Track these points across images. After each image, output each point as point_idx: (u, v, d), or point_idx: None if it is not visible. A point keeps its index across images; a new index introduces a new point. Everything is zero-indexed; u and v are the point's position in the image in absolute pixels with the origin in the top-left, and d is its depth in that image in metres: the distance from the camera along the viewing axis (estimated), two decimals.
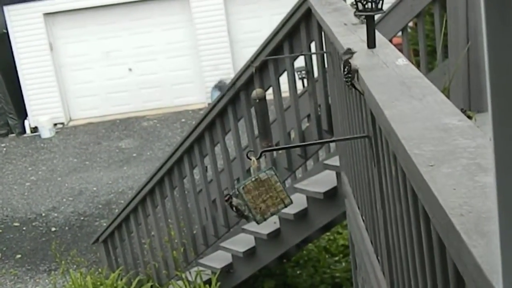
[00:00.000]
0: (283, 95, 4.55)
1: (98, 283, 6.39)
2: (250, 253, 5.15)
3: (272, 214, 2.89)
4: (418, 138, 1.56)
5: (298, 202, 4.70)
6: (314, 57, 4.39)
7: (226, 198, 2.88)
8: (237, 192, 2.81)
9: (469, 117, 2.13)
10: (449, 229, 1.19)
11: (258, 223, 2.89)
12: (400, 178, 1.89)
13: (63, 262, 7.16)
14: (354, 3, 2.41)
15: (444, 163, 1.40)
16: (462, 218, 1.16)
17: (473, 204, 1.21)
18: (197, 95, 13.86)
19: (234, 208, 2.86)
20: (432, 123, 1.65)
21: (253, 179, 2.77)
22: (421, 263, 1.76)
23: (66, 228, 9.15)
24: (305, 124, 4.86)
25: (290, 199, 2.92)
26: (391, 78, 2.12)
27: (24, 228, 9.33)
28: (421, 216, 1.65)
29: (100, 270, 6.88)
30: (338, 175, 4.27)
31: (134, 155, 11.68)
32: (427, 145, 1.51)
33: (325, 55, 4.12)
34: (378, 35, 2.57)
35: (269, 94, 3.99)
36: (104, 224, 7.52)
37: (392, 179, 2.05)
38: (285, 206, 2.93)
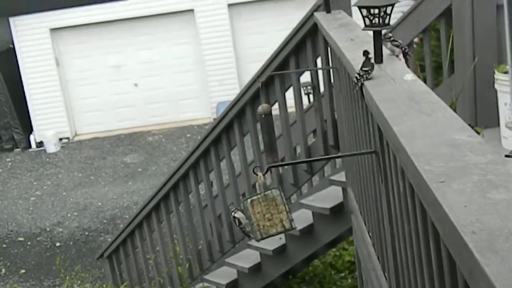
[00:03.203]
0: (289, 110, 4.54)
1: None
2: (256, 269, 5.11)
3: (271, 235, 2.83)
4: (427, 154, 1.54)
5: (304, 218, 4.67)
6: (320, 72, 4.38)
7: (232, 210, 2.85)
8: (243, 206, 2.77)
9: (477, 133, 2.11)
10: (461, 247, 1.17)
11: (256, 240, 2.83)
12: (408, 194, 1.87)
13: (67, 277, 7.13)
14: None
15: (455, 179, 1.38)
16: (474, 236, 1.14)
17: (485, 222, 1.19)
18: (203, 110, 13.87)
19: (236, 221, 2.82)
20: (441, 139, 1.63)
21: (260, 194, 2.73)
22: (431, 281, 1.73)
23: (71, 243, 9.12)
24: (311, 140, 4.84)
25: (291, 224, 2.82)
26: (399, 93, 2.10)
27: (28, 243, 9.31)
28: (430, 233, 1.63)
29: (104, 285, 6.86)
30: (344, 191, 4.25)
31: (139, 170, 11.68)
32: (437, 161, 1.49)
33: (331, 70, 4.11)
34: (385, 50, 2.56)
35: (275, 109, 3.98)
36: (109, 239, 7.49)
37: (400, 196, 2.02)
38: (285, 230, 2.86)
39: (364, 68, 2.33)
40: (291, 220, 2.83)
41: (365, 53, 2.36)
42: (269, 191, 2.75)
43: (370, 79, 2.32)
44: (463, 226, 1.18)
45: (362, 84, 2.33)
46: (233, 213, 2.84)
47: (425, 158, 1.52)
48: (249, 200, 2.74)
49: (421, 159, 1.52)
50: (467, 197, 1.29)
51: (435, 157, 1.51)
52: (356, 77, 2.36)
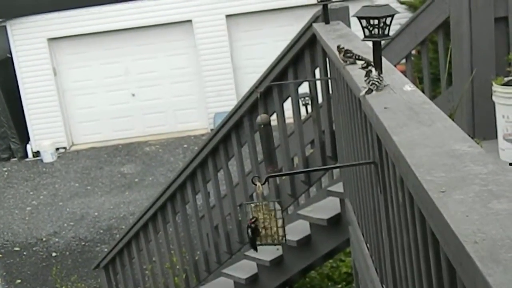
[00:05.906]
0: (287, 121, 4.54)
1: None
2: (253, 280, 5.09)
3: (262, 244, 2.83)
4: (428, 164, 1.54)
5: (301, 229, 4.67)
6: (318, 83, 4.38)
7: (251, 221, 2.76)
8: (245, 209, 2.77)
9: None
10: (462, 257, 1.16)
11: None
12: (407, 205, 1.86)
13: (63, 287, 7.10)
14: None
15: (456, 189, 1.38)
16: (476, 246, 1.14)
17: (487, 232, 1.18)
18: (200, 121, 13.88)
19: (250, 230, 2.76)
20: (442, 149, 1.63)
21: (261, 202, 2.73)
22: None
23: (67, 253, 9.09)
24: (308, 150, 4.84)
25: (283, 239, 2.84)
26: (399, 103, 2.10)
27: (24, 253, 9.27)
28: (430, 243, 1.62)
29: None
30: (341, 202, 4.24)
31: (136, 180, 11.66)
32: (437, 171, 1.48)
33: (329, 81, 4.11)
34: (384, 61, 2.57)
35: (273, 120, 3.98)
36: (105, 250, 7.47)
37: (399, 206, 2.02)
38: (275, 244, 2.86)
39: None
40: (284, 236, 2.82)
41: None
42: (271, 202, 2.75)
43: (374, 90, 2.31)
44: (465, 236, 1.18)
45: (376, 89, 2.29)
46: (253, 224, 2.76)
47: (425, 168, 1.52)
48: (252, 205, 2.73)
49: (422, 169, 1.51)
50: (468, 207, 1.29)
51: (436, 167, 1.51)
52: (376, 82, 2.30)
